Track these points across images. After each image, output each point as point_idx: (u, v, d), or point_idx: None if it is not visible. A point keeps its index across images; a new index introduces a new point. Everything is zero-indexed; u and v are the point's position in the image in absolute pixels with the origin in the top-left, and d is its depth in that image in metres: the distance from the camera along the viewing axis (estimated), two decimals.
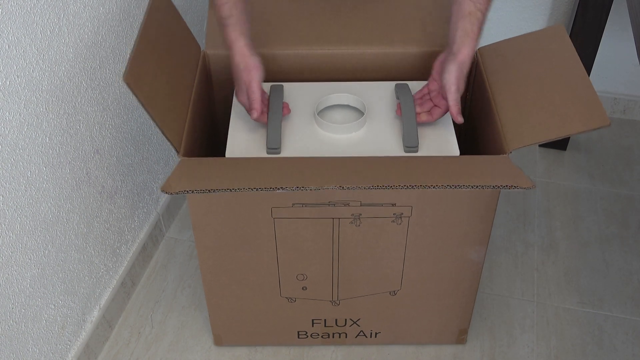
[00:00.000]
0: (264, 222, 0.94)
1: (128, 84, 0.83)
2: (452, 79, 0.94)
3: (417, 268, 1.01)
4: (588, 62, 1.43)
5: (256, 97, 0.95)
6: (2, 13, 0.80)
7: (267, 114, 0.99)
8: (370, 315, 1.09)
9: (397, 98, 1.03)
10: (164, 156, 1.34)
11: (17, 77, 0.85)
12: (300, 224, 0.94)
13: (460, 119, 0.95)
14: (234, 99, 1.04)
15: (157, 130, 1.27)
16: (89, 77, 1.01)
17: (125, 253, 1.23)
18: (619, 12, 1.46)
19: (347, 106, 1.06)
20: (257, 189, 0.84)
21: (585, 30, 1.39)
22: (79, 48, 0.97)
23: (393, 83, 1.08)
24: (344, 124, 1.00)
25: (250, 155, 0.96)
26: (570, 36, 1.54)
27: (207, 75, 1.11)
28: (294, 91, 1.08)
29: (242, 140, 1.00)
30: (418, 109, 1.00)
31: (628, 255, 1.33)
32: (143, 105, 0.85)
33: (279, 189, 0.84)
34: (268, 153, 0.96)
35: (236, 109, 1.05)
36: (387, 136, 1.00)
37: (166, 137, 0.89)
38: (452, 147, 0.98)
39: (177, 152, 0.90)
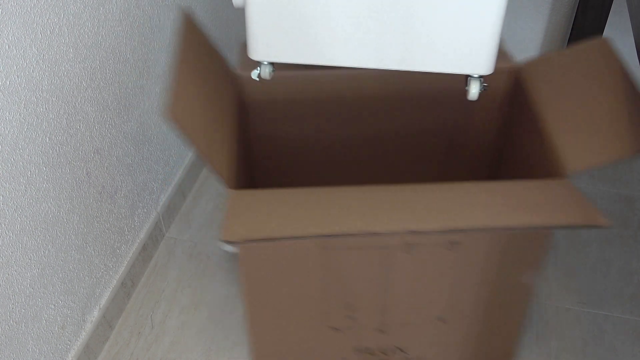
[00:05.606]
0: (313, 253, 0.89)
1: (172, 120, 0.77)
2: None
3: (466, 294, 0.96)
4: None
5: None
6: (2, 13, 0.80)
7: None
8: (417, 343, 1.04)
9: None
10: (164, 156, 1.34)
11: (17, 77, 0.85)
12: (350, 254, 0.90)
13: None
14: None
15: (157, 130, 1.28)
16: (89, 77, 1.01)
17: (125, 253, 1.23)
18: (619, 12, 1.46)
19: None
20: (322, 237, 0.80)
21: (585, 30, 1.39)
22: (79, 48, 0.97)
23: None
24: None
25: None
26: (570, 36, 1.54)
27: (241, 100, 1.07)
28: None
29: None
30: None
31: (628, 255, 1.33)
32: (190, 141, 0.80)
33: (342, 236, 0.80)
34: None
35: None
36: None
37: (215, 172, 0.84)
38: None
39: (227, 186, 0.86)
